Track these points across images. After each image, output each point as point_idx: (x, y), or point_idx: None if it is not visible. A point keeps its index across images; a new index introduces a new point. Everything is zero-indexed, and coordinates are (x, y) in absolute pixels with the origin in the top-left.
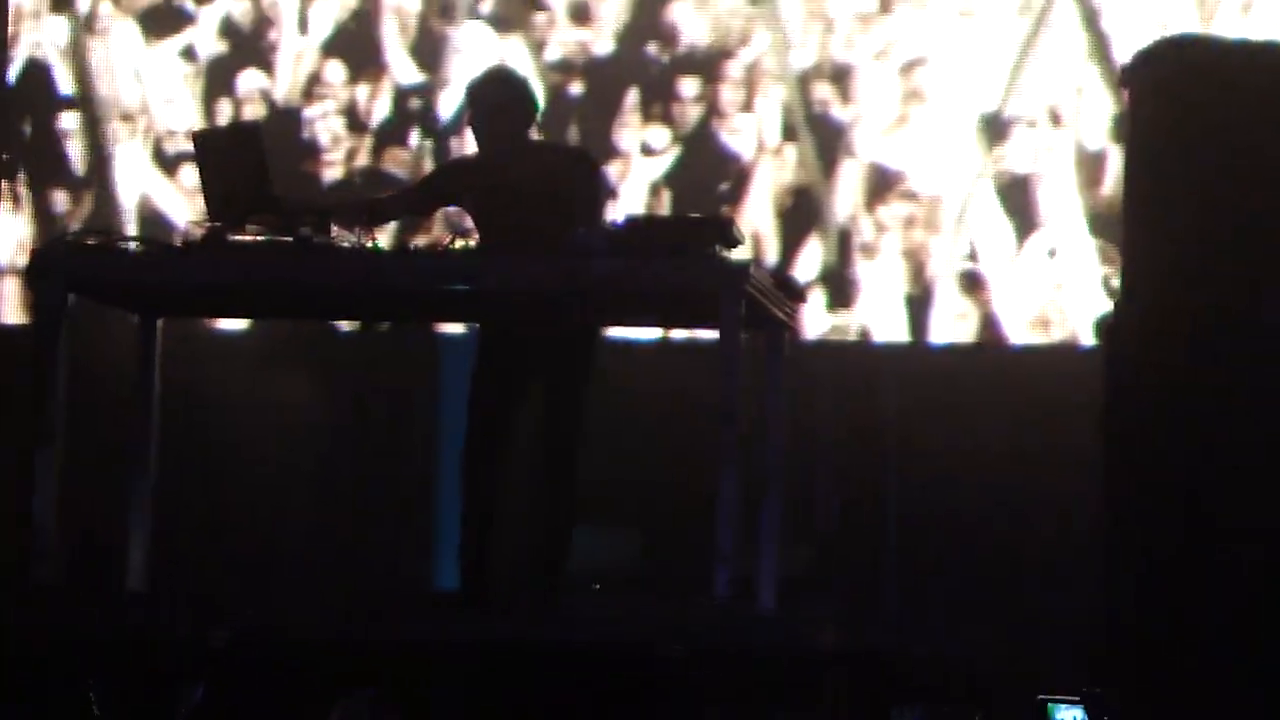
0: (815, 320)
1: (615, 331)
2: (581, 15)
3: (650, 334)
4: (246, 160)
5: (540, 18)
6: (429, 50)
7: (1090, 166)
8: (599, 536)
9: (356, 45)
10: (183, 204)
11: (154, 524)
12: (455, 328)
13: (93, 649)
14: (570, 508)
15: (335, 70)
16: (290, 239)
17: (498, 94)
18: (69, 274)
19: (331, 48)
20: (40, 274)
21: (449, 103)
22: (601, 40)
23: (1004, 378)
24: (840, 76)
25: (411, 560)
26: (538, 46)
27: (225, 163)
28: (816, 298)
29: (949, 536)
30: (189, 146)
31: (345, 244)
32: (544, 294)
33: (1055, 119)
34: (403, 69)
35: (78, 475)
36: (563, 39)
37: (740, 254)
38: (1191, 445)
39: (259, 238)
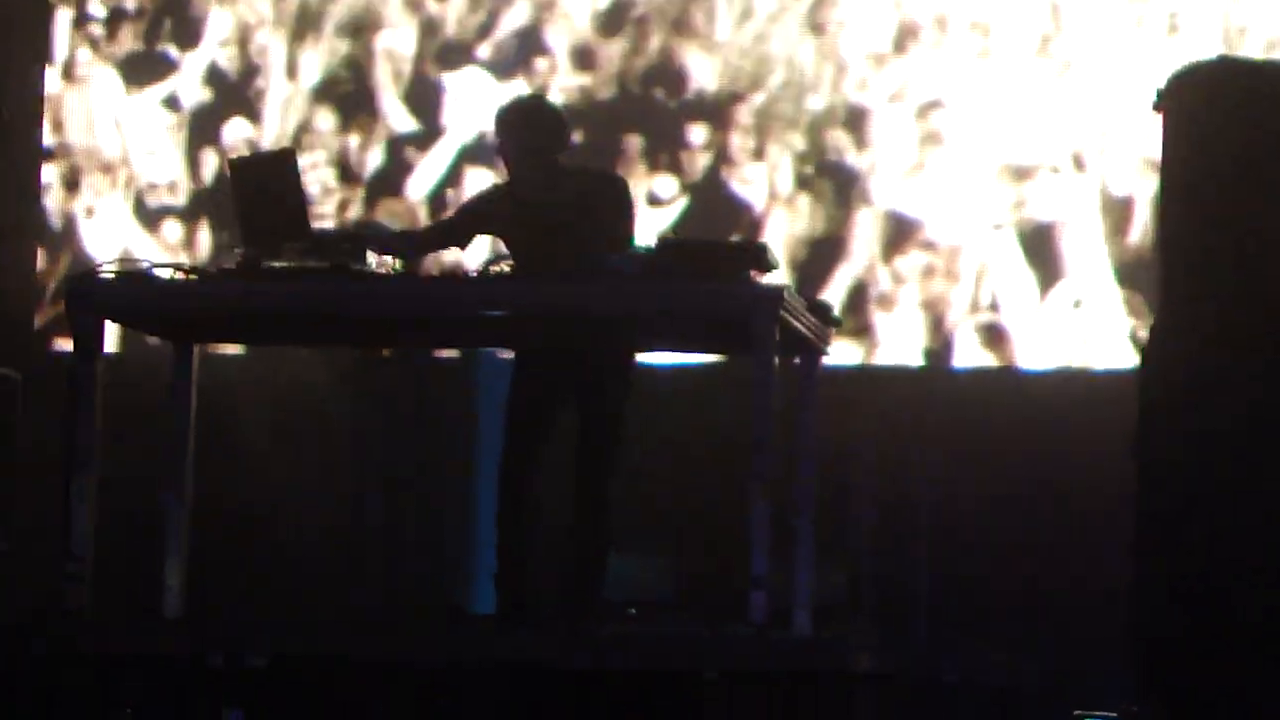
0: (847, 347)
1: (650, 355)
2: (584, 60)
3: (684, 358)
4: (282, 187)
5: (542, 62)
6: (424, 97)
7: (1116, 213)
8: (634, 562)
9: (348, 92)
10: (165, 259)
11: (190, 549)
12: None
13: (130, 674)
14: (605, 532)
15: (326, 118)
16: (326, 265)
17: (528, 118)
18: (105, 301)
19: (322, 95)
20: (77, 301)
21: (446, 151)
22: (605, 85)
23: (1037, 402)
24: (855, 120)
25: (448, 583)
26: (539, 92)
27: (261, 190)
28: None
29: (983, 560)
30: (171, 200)
31: (381, 270)
32: (578, 319)
33: (1079, 164)
34: (397, 117)
35: (113, 501)
36: (565, 84)
37: (774, 278)
38: (1226, 467)
39: (295, 264)
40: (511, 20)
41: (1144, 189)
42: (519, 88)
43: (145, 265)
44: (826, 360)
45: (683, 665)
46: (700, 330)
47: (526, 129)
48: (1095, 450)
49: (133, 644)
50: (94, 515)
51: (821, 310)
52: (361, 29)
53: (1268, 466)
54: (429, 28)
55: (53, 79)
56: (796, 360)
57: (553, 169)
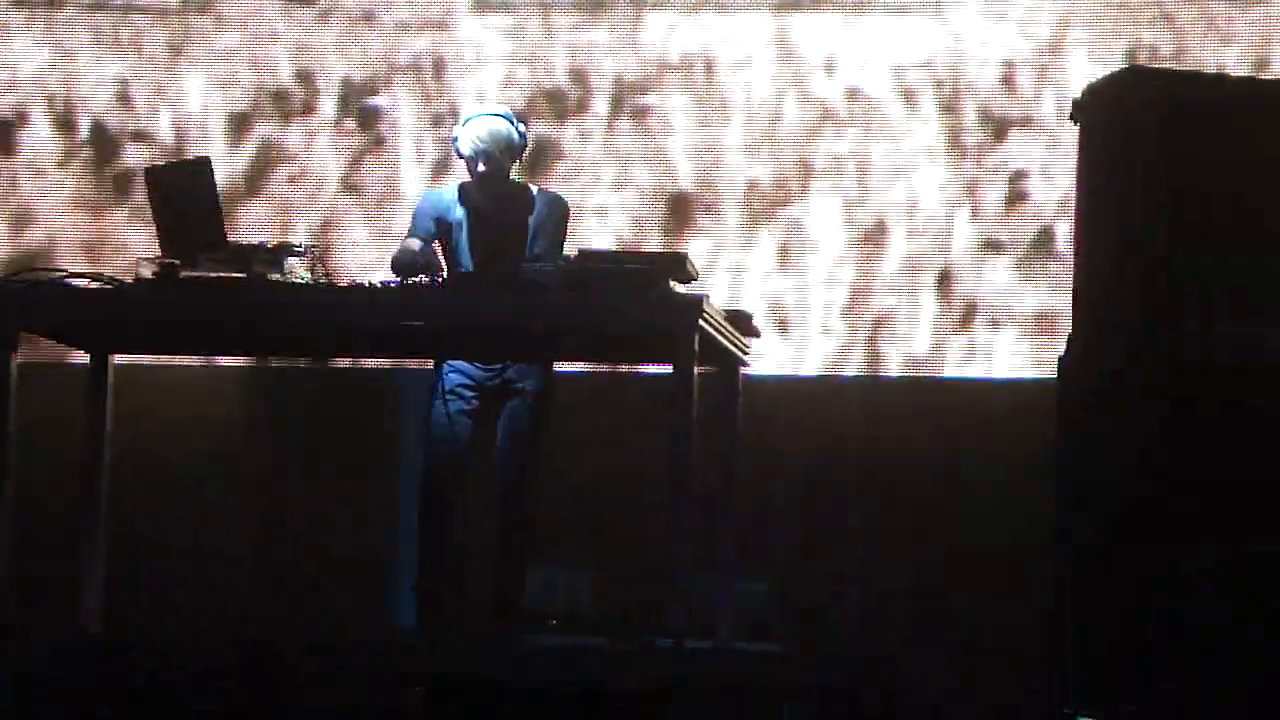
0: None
1: (570, 365)
2: None
3: (605, 366)
4: (198, 195)
5: None
6: None
7: None
8: (555, 572)
9: None
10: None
11: (107, 563)
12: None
13: (47, 691)
14: (527, 541)
15: None
16: (243, 275)
17: (512, 131)
18: (19, 310)
19: None
20: None
21: None
22: None
23: (959, 409)
24: None
25: (369, 596)
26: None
27: (178, 198)
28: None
29: (909, 567)
30: None
31: (299, 280)
32: (497, 329)
33: None
34: None
35: (30, 514)
36: None
37: (694, 289)
38: (1142, 478)
39: (211, 274)
40: None
41: None
42: None
43: (60, 274)
44: (746, 370)
45: (602, 677)
46: (621, 340)
47: (508, 141)
48: (1021, 452)
49: (51, 661)
50: (10, 527)
51: (741, 320)
52: None
53: (1180, 477)
54: None
55: None
56: (716, 370)
57: (509, 182)
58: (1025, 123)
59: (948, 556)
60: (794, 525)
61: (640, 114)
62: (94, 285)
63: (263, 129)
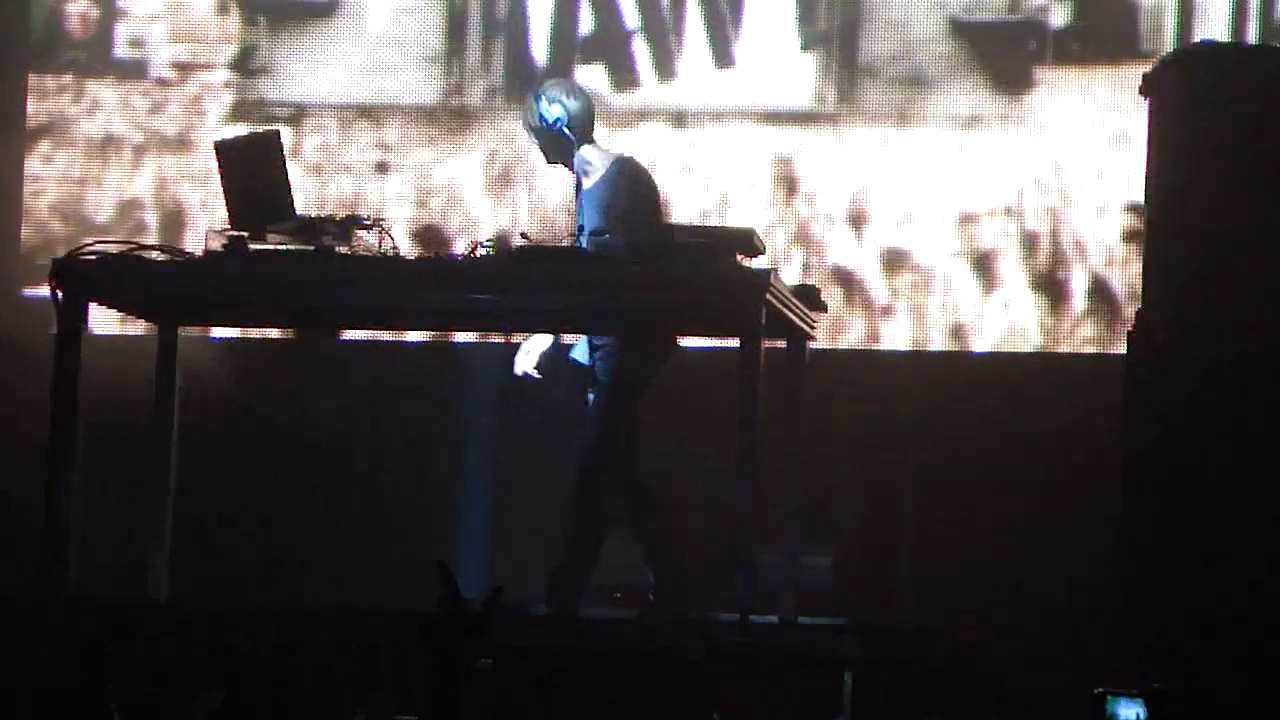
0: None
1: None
2: None
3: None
4: (267, 169)
5: None
6: None
7: None
8: (621, 546)
9: None
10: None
11: (174, 531)
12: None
13: (114, 654)
14: (603, 514)
15: None
16: (311, 247)
17: (530, 116)
18: (90, 282)
19: None
20: (61, 282)
21: None
22: None
23: (1021, 385)
24: None
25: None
26: None
27: (246, 172)
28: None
29: (968, 544)
30: None
31: (366, 253)
32: (565, 304)
33: None
34: None
35: (97, 483)
36: None
37: (761, 263)
38: (1208, 446)
39: (280, 246)
40: None
41: None
42: None
43: (131, 246)
44: (813, 344)
45: (665, 648)
46: (688, 314)
47: (533, 126)
48: (1083, 431)
49: (114, 622)
50: (75, 494)
51: (807, 295)
52: None
53: (1248, 449)
54: None
55: None
56: (783, 344)
57: (570, 159)
58: None
59: (1012, 530)
60: (858, 499)
61: None
62: (163, 258)
63: None
